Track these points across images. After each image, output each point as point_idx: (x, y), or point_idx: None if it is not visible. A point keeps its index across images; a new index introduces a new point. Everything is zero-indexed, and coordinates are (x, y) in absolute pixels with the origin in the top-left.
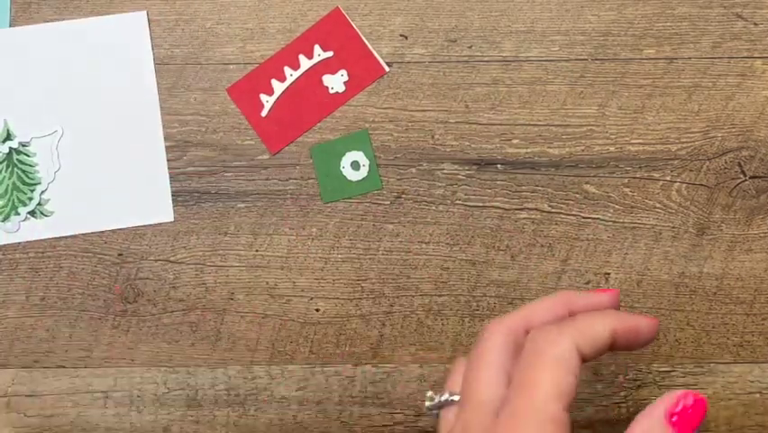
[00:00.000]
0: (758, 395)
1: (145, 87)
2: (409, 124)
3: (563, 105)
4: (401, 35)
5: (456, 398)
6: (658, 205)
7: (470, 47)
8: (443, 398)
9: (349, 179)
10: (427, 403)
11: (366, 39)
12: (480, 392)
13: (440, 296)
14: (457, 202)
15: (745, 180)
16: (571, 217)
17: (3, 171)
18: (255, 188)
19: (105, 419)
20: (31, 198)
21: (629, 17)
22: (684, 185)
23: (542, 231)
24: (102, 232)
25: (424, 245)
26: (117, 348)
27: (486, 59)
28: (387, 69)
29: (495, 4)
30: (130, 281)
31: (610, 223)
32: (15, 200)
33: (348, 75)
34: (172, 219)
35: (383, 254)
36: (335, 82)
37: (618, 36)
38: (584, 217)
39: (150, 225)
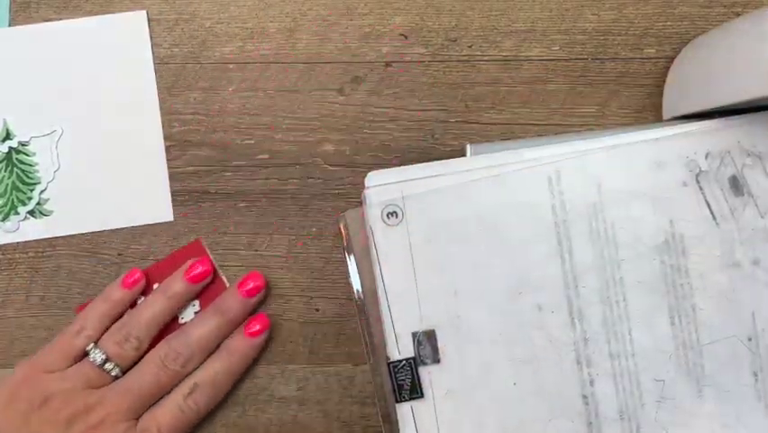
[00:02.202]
0: None
1: (145, 86)
2: (409, 124)
3: (563, 105)
4: (401, 35)
5: None
6: None
7: (470, 46)
8: None
9: None
10: None
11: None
12: None
13: None
14: None
15: None
16: None
17: (2, 171)
18: (255, 188)
19: None
20: (30, 198)
21: (629, 17)
22: None
23: None
24: (102, 232)
25: None
26: None
27: (486, 58)
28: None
29: (495, 4)
30: None
31: None
32: (15, 200)
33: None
34: (172, 219)
35: None
36: None
37: (619, 36)
38: None
39: (150, 224)
